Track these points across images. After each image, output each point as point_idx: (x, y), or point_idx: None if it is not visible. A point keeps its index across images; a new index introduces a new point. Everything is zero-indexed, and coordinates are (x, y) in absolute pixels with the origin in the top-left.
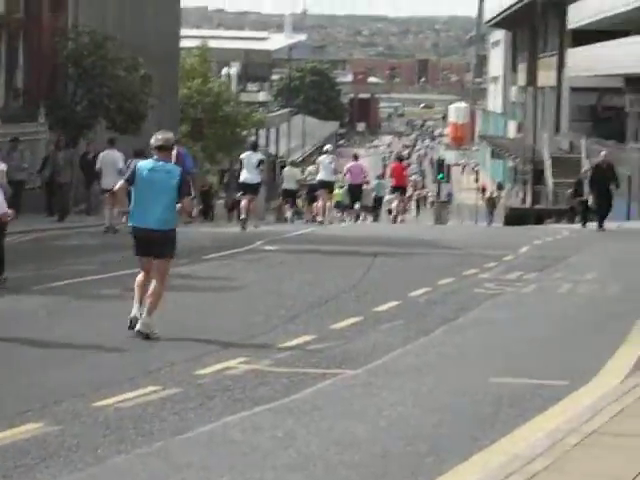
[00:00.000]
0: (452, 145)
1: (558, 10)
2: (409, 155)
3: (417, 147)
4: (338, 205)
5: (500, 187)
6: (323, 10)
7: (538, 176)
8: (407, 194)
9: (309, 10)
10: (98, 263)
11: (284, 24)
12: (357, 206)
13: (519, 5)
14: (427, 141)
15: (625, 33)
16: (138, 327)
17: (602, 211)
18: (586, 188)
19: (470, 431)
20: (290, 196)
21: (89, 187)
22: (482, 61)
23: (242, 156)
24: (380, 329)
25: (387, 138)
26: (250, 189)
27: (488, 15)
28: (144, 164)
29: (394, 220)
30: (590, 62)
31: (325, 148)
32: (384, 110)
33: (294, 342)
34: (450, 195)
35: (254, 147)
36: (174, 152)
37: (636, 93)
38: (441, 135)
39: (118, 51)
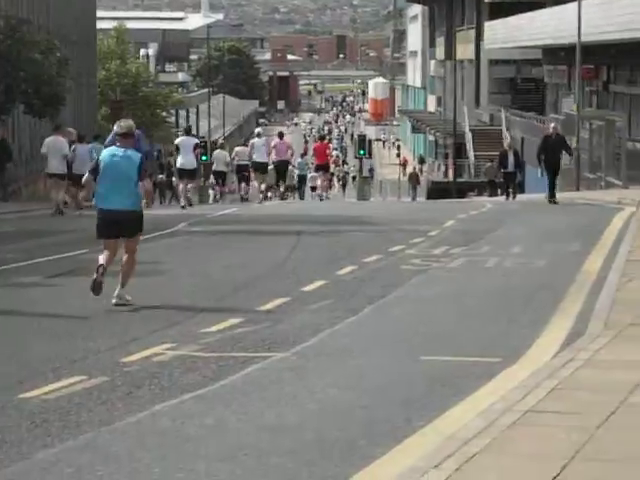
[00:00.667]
0: (372, 121)
1: None
2: (330, 131)
3: (338, 123)
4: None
5: (422, 161)
6: None
7: (459, 149)
8: (330, 172)
9: None
10: (19, 251)
11: (201, 3)
12: (282, 186)
13: None
14: (347, 117)
15: (541, 5)
16: (114, 301)
17: (552, 182)
18: (510, 159)
19: (403, 412)
20: (220, 177)
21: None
22: (400, 36)
23: (177, 141)
24: (308, 309)
25: (307, 115)
26: (188, 174)
27: None
28: (106, 152)
29: (319, 198)
30: (507, 34)
31: (257, 131)
32: (304, 87)
33: (221, 325)
34: (372, 170)
35: (188, 132)
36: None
37: (554, 64)
38: (361, 111)
39: (33, 34)
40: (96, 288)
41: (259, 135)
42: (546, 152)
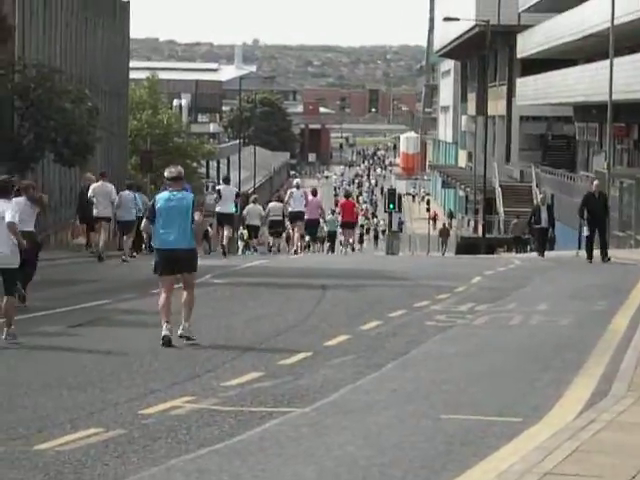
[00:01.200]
0: (403, 175)
1: (507, 40)
2: (360, 184)
3: (370, 177)
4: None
5: (451, 216)
6: (274, 40)
7: (489, 205)
8: (354, 229)
9: (260, 41)
10: (45, 299)
11: (234, 55)
12: (307, 237)
13: (468, 35)
14: (379, 170)
15: (573, 62)
16: (180, 332)
17: (601, 241)
18: (544, 214)
19: (422, 472)
20: (254, 231)
21: None
22: (432, 91)
23: (219, 187)
24: (330, 364)
25: (338, 168)
26: (227, 219)
27: (438, 45)
28: (161, 197)
29: (344, 251)
30: (539, 91)
31: (296, 182)
32: (335, 140)
33: (242, 379)
34: (402, 224)
35: (227, 181)
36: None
37: (585, 122)
38: (392, 164)
39: (65, 83)
40: (166, 344)
41: (298, 186)
42: (591, 210)
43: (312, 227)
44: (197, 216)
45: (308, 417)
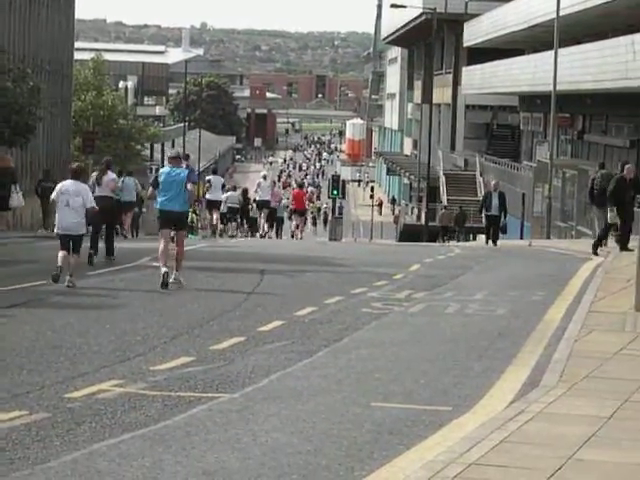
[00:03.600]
0: (349, 161)
1: (454, 28)
2: (307, 167)
3: (314, 161)
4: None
5: (394, 202)
6: (222, 24)
7: (433, 193)
8: (305, 216)
9: (208, 24)
10: None
11: (182, 38)
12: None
13: (415, 23)
14: (325, 154)
15: (519, 52)
16: (171, 280)
17: (626, 227)
18: (495, 201)
19: (347, 460)
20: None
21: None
22: (379, 78)
23: (209, 177)
24: (262, 350)
25: (283, 153)
26: (216, 205)
27: (385, 32)
28: (163, 171)
29: (292, 236)
30: (485, 80)
31: (263, 174)
32: (281, 125)
33: (172, 364)
34: (341, 208)
35: (215, 171)
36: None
37: (530, 112)
38: (336, 150)
39: (6, 62)
40: (164, 283)
41: (265, 178)
42: (620, 195)
43: (272, 215)
44: (189, 186)
45: (236, 403)
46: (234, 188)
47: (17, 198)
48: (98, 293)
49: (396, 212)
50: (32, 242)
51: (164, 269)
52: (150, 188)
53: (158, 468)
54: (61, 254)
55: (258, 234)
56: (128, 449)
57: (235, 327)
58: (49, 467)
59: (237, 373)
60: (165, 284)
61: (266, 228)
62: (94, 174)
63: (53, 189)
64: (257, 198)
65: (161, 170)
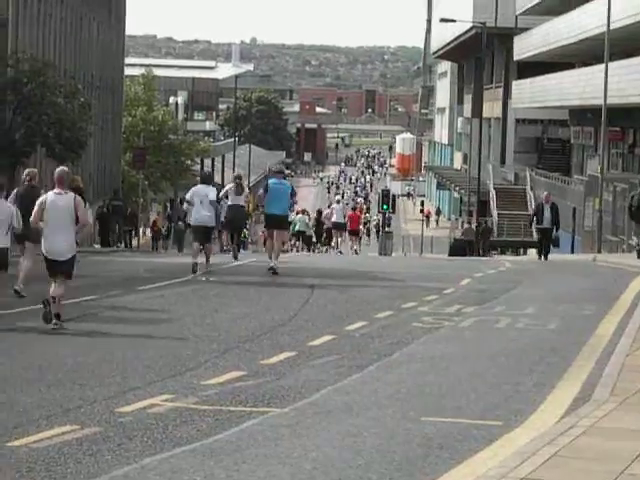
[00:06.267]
0: (399, 175)
1: (504, 42)
2: (357, 179)
3: (366, 175)
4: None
5: (438, 212)
6: (272, 39)
7: (483, 207)
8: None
9: (258, 39)
10: (32, 293)
11: (232, 53)
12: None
13: (465, 37)
14: (376, 167)
15: (569, 65)
16: (271, 267)
17: None
18: (547, 214)
19: (398, 475)
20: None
21: None
22: (429, 92)
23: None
24: (313, 365)
25: (333, 168)
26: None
27: (435, 46)
28: (271, 182)
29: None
30: (535, 94)
31: (337, 198)
32: (331, 140)
33: (223, 378)
34: (389, 219)
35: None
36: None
37: (581, 126)
38: (386, 165)
39: (58, 78)
40: (194, 269)
41: (338, 202)
42: None
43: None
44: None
45: (287, 417)
46: (303, 211)
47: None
48: (149, 307)
49: (440, 224)
50: (86, 256)
51: (272, 263)
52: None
53: None
54: (195, 246)
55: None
56: (179, 463)
57: (285, 342)
58: None
59: (288, 388)
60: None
61: (344, 248)
62: (230, 185)
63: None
64: (334, 220)
65: (269, 181)
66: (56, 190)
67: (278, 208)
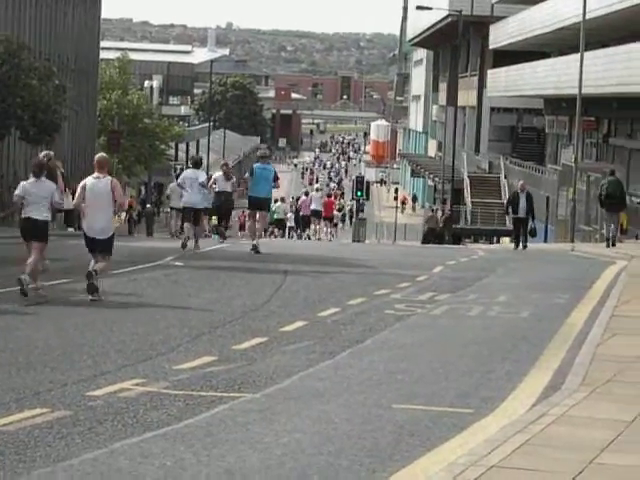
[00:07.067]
0: (373, 162)
1: (479, 30)
2: (332, 165)
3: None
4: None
5: (415, 199)
6: (248, 24)
7: (457, 195)
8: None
9: (234, 24)
10: (1, 276)
11: (208, 38)
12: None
13: (441, 25)
14: (351, 153)
15: (545, 55)
16: (253, 245)
17: None
18: (522, 203)
19: (369, 462)
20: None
21: None
22: (404, 80)
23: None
24: (284, 350)
25: (308, 154)
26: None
27: (410, 34)
28: (256, 167)
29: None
30: (510, 83)
31: (317, 186)
32: (306, 126)
33: (194, 363)
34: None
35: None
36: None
37: (555, 115)
38: (360, 151)
39: (32, 60)
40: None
41: (317, 190)
42: None
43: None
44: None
45: (258, 403)
46: (282, 199)
47: (67, 202)
48: (121, 291)
49: (418, 211)
50: (61, 240)
51: (254, 242)
52: (247, 174)
53: (179, 467)
54: (187, 226)
55: (318, 237)
56: (149, 448)
57: (257, 327)
58: (70, 465)
59: (259, 373)
60: (256, 250)
61: (323, 235)
62: (218, 173)
63: None
64: (312, 208)
65: (255, 166)
66: (95, 174)
67: (261, 191)
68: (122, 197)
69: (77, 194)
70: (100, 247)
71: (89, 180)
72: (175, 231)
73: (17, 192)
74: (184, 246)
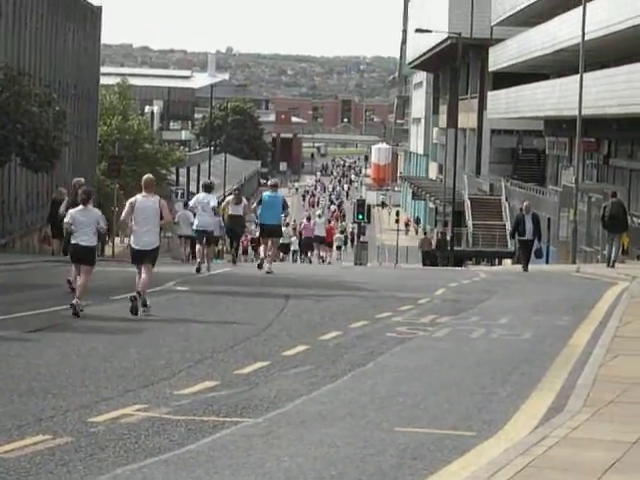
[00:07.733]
0: (374, 185)
1: (479, 53)
2: (333, 188)
3: (342, 184)
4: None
5: (418, 221)
6: (248, 49)
7: (459, 217)
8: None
9: (234, 49)
10: (3, 304)
11: (208, 63)
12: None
13: (440, 47)
14: (353, 176)
15: (544, 76)
16: (266, 270)
17: None
18: (528, 225)
19: None
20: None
21: None
22: (404, 102)
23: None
24: (286, 375)
25: (309, 177)
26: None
27: (410, 57)
28: (266, 194)
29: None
30: (510, 104)
31: (318, 213)
32: (307, 150)
33: (196, 388)
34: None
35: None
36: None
37: (556, 136)
38: (361, 174)
39: (32, 87)
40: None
41: (320, 216)
42: None
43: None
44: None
45: (260, 427)
46: (287, 224)
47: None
48: (123, 317)
49: (420, 234)
50: (60, 266)
51: (264, 262)
52: (255, 204)
53: None
54: (199, 248)
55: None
56: (151, 474)
57: (259, 352)
58: None
59: (261, 398)
60: (260, 266)
61: (329, 258)
62: (229, 197)
63: None
64: (316, 234)
65: (264, 194)
66: (144, 193)
67: (272, 218)
68: (169, 215)
69: (125, 211)
70: (147, 257)
71: (138, 198)
72: (187, 256)
73: (66, 220)
74: (198, 270)
